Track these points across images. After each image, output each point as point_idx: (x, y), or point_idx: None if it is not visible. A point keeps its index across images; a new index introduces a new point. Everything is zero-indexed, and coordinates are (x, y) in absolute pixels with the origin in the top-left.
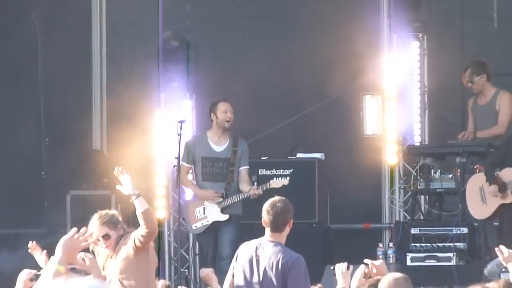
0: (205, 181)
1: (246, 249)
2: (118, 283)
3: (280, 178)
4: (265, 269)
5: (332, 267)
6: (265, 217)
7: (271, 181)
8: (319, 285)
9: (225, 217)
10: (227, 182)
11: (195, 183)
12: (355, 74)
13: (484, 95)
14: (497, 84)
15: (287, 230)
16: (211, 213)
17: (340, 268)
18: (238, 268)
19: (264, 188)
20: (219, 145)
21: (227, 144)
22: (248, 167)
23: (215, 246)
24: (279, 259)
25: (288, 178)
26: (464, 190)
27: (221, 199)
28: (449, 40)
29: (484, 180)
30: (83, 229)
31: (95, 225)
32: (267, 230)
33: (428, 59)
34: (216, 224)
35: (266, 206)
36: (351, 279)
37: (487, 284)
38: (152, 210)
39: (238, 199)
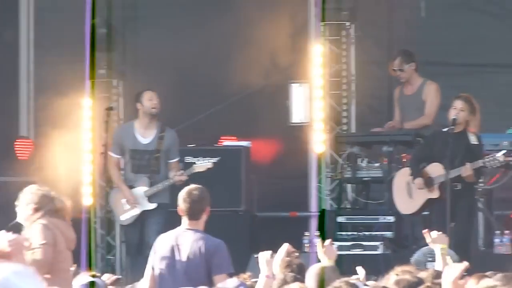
0: (133, 173)
1: (164, 240)
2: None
3: (203, 161)
4: (188, 257)
5: (256, 256)
6: (182, 206)
7: (194, 165)
8: (248, 273)
9: (153, 205)
10: (151, 170)
11: (123, 173)
12: (282, 63)
13: (411, 84)
14: (424, 73)
15: (204, 217)
16: (138, 202)
17: (264, 256)
18: (157, 260)
19: (189, 173)
20: (146, 136)
21: (154, 135)
22: (178, 158)
23: (141, 234)
24: (200, 246)
25: (211, 161)
26: (391, 179)
27: (145, 190)
28: (376, 29)
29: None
30: None
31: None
32: (184, 219)
33: (355, 48)
34: (142, 213)
35: (182, 194)
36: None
37: (419, 274)
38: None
39: (163, 186)
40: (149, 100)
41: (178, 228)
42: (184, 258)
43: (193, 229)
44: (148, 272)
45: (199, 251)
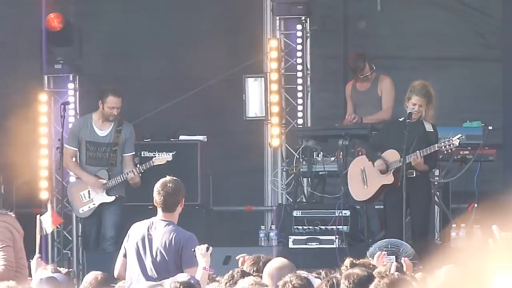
0: (88, 165)
1: (137, 229)
2: None
3: (162, 154)
4: (157, 248)
5: (193, 250)
6: (156, 197)
7: (153, 158)
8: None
9: (111, 198)
10: (109, 163)
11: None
12: (237, 57)
13: (365, 80)
14: (380, 67)
15: (178, 209)
16: (96, 195)
17: (200, 249)
18: (130, 248)
19: (148, 166)
20: (103, 129)
21: (111, 127)
22: (133, 153)
23: (98, 227)
24: (171, 238)
25: (171, 154)
26: (347, 172)
27: (104, 182)
28: (331, 23)
29: (366, 162)
30: None
31: None
32: (159, 210)
33: (310, 42)
34: (100, 206)
35: (157, 186)
36: (210, 259)
37: (377, 269)
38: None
39: (121, 180)
40: (110, 108)
41: (153, 218)
42: (153, 249)
43: (166, 220)
44: (120, 259)
45: (170, 243)
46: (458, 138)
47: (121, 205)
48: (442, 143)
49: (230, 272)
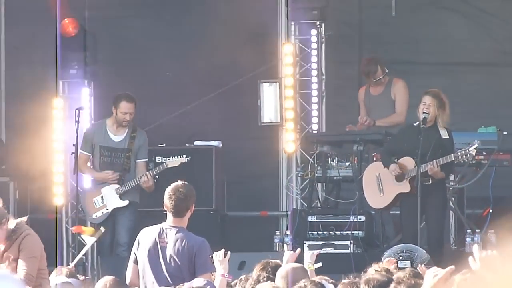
0: (102, 171)
1: (147, 235)
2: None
3: (176, 157)
4: (171, 256)
5: (210, 256)
6: (167, 202)
7: (167, 160)
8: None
9: (124, 203)
10: (123, 168)
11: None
12: (252, 62)
13: (378, 84)
14: (394, 72)
15: (188, 215)
16: (110, 200)
17: (217, 255)
18: (141, 255)
19: (162, 169)
20: (117, 134)
21: (126, 133)
22: (146, 159)
23: (113, 233)
24: (184, 245)
25: (185, 156)
26: (361, 178)
27: (116, 184)
28: (346, 28)
29: (381, 169)
30: None
31: None
32: (169, 215)
33: (325, 47)
34: (113, 211)
35: (169, 190)
36: (228, 265)
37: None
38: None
39: (134, 184)
40: (123, 114)
41: (162, 224)
42: (167, 255)
43: (176, 226)
44: (131, 266)
45: (183, 250)
46: (475, 148)
47: (135, 210)
48: (459, 153)
49: (256, 276)
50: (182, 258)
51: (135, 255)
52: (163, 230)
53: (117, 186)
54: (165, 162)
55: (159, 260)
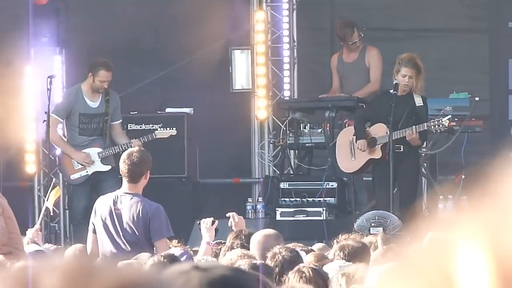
0: (81, 136)
1: (103, 204)
2: None
3: (165, 129)
4: (126, 222)
5: (198, 222)
6: (122, 167)
7: (156, 131)
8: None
9: (106, 167)
10: (103, 133)
11: (65, 139)
12: (223, 29)
13: (352, 51)
14: (366, 39)
15: (143, 181)
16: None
17: (205, 223)
18: (98, 224)
19: (150, 139)
20: (93, 100)
21: (100, 98)
22: (121, 120)
23: (87, 199)
24: (139, 211)
25: (175, 128)
26: (334, 144)
27: (99, 151)
28: None
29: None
30: None
31: None
32: (124, 181)
33: (297, 14)
34: (94, 177)
35: (123, 156)
36: (216, 233)
37: (364, 239)
38: None
39: (119, 150)
40: (100, 82)
41: (117, 191)
42: (122, 222)
43: (131, 193)
44: (90, 235)
45: (137, 216)
46: (448, 119)
47: (116, 175)
48: (432, 123)
49: (229, 244)
50: (138, 224)
51: (93, 224)
52: (117, 197)
53: (100, 149)
54: (154, 132)
55: (116, 228)
